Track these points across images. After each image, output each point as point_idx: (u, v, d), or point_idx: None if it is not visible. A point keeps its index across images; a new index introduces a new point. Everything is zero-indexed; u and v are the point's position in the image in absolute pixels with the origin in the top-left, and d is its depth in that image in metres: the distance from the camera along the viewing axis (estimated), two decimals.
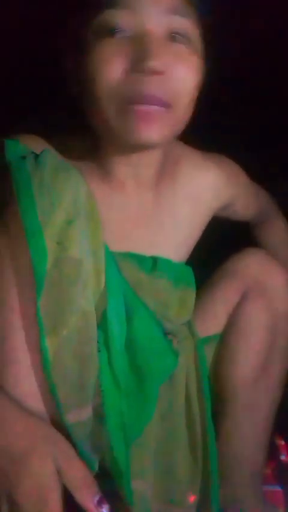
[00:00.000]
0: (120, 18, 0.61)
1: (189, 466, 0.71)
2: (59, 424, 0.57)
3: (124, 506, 0.60)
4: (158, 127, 0.63)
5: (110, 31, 0.62)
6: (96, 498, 0.55)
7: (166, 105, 0.63)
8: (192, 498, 0.69)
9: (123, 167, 0.72)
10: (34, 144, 0.66)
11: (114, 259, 0.66)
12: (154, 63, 0.60)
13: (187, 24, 0.63)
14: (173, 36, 0.63)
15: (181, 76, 0.63)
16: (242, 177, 0.86)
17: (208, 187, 0.80)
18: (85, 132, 0.69)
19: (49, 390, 0.56)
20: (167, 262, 0.76)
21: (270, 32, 0.84)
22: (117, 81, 0.62)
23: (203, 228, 0.82)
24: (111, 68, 0.61)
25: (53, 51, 0.67)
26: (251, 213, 0.91)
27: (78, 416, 0.58)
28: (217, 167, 0.81)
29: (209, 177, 0.80)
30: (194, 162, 0.79)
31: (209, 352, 0.78)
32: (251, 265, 0.78)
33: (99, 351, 0.60)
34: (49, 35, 0.67)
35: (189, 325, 0.79)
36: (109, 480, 0.60)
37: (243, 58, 0.87)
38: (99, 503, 0.54)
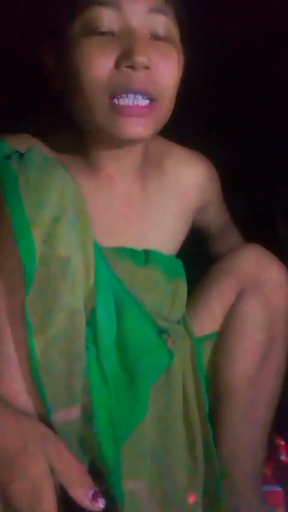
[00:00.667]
0: (105, 16, 0.63)
1: (187, 466, 0.70)
2: (49, 422, 0.57)
3: (115, 507, 0.60)
4: (145, 122, 0.65)
5: (95, 28, 0.63)
6: (91, 493, 0.54)
7: (152, 98, 0.65)
8: (191, 498, 0.68)
9: (110, 162, 0.73)
10: (19, 142, 0.66)
11: (104, 256, 0.66)
12: (142, 58, 0.62)
13: (168, 23, 0.66)
14: (156, 34, 0.65)
15: (165, 71, 0.65)
16: (218, 180, 0.86)
17: (193, 182, 0.81)
18: (71, 128, 0.70)
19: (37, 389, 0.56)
20: (159, 254, 0.76)
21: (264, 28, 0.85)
22: (104, 77, 0.63)
23: (189, 223, 0.82)
24: (97, 65, 0.63)
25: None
26: (218, 223, 0.90)
27: (67, 415, 0.58)
28: (202, 164, 0.82)
29: (194, 173, 0.81)
30: (180, 158, 0.80)
31: (206, 351, 0.78)
32: (247, 261, 0.78)
33: (87, 349, 0.60)
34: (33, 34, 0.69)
35: (186, 323, 0.78)
36: (100, 480, 0.59)
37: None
38: (94, 497, 0.54)
